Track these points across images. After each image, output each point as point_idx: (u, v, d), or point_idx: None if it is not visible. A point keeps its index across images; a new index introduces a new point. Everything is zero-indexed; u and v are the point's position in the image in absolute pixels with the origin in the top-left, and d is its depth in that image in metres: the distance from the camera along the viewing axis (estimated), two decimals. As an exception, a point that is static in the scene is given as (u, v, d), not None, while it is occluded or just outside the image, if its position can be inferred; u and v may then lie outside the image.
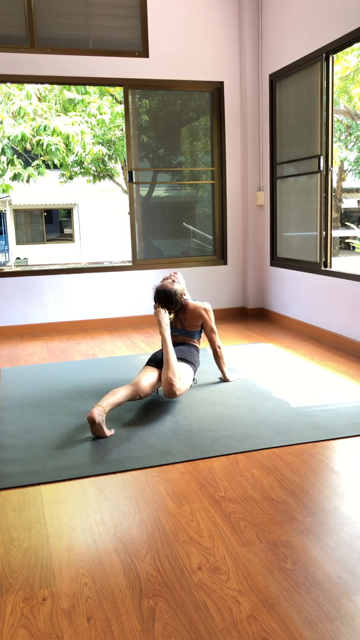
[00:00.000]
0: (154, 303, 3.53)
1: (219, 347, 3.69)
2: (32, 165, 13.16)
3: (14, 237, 20.72)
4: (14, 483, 2.46)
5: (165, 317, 3.44)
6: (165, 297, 3.53)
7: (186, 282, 5.87)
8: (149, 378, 3.29)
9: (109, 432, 2.93)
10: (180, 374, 3.28)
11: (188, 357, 3.52)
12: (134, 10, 5.44)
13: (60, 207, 21.55)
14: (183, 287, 3.64)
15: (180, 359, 3.44)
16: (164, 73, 5.59)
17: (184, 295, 3.67)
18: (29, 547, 2.01)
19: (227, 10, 5.71)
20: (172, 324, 3.64)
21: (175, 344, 3.60)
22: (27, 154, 13.59)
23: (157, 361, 3.45)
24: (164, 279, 3.65)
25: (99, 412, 2.87)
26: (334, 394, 3.46)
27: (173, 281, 3.62)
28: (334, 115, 5.32)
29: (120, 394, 3.06)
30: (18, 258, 18.79)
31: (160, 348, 3.70)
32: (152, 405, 3.37)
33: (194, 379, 3.59)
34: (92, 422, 2.85)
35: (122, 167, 14.05)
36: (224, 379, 3.78)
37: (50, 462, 2.65)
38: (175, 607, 1.68)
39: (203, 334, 3.88)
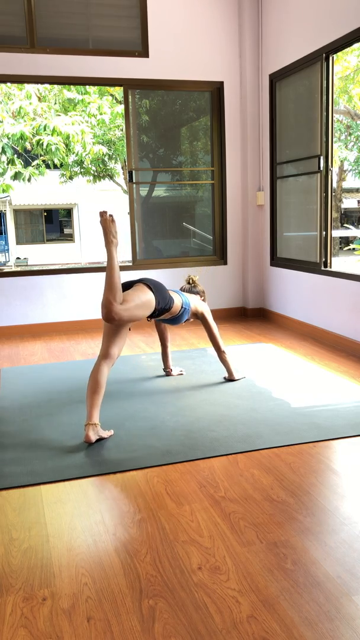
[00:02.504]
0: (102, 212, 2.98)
1: (224, 352, 3.68)
2: (32, 165, 13.16)
3: (14, 237, 20.72)
4: (14, 483, 2.46)
5: (114, 227, 2.95)
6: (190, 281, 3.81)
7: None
8: (115, 340, 3.04)
9: (107, 433, 2.93)
10: (128, 300, 2.98)
11: (153, 284, 3.21)
12: (134, 10, 5.44)
13: (60, 207, 21.55)
14: (202, 295, 3.82)
15: (142, 282, 3.15)
16: (164, 73, 5.59)
17: (202, 298, 3.81)
18: (29, 547, 2.01)
19: (227, 10, 5.71)
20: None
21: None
22: (27, 154, 13.59)
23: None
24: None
25: (94, 433, 2.82)
26: (334, 394, 3.46)
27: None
28: (334, 115, 5.32)
29: (100, 390, 2.90)
30: (18, 258, 18.80)
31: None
32: (152, 406, 3.38)
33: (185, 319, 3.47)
34: (89, 444, 2.82)
35: (122, 167, 14.05)
36: (230, 378, 3.78)
37: (50, 462, 2.65)
38: (175, 607, 1.68)
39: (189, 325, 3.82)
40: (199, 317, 3.66)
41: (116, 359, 3.07)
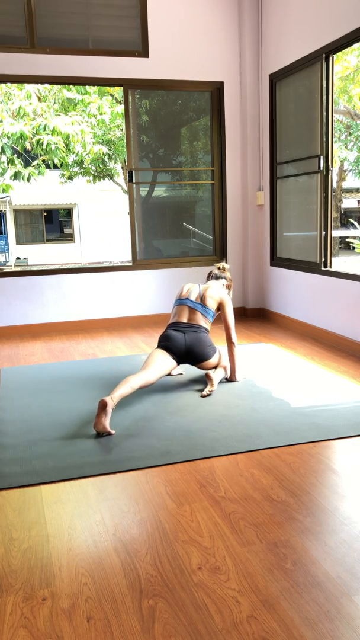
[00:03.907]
0: None
1: (234, 344, 3.71)
2: (32, 164, 13.17)
3: (14, 237, 20.72)
4: (14, 483, 2.46)
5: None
6: (214, 273, 3.98)
7: (186, 282, 5.87)
8: (159, 369, 3.40)
9: (110, 429, 2.94)
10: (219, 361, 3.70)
11: (209, 350, 3.63)
12: (134, 10, 5.44)
13: (60, 207, 21.54)
14: (229, 281, 3.98)
15: (202, 355, 3.61)
16: (164, 73, 5.59)
17: (229, 283, 3.96)
18: (29, 547, 2.01)
19: (227, 10, 5.71)
20: (192, 297, 3.75)
21: (187, 324, 3.65)
22: (27, 154, 13.59)
23: (170, 343, 3.54)
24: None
25: (111, 405, 2.96)
26: (334, 394, 3.46)
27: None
28: (334, 115, 5.32)
29: (130, 386, 3.15)
30: (18, 258, 18.78)
31: (172, 323, 3.77)
32: (152, 405, 3.38)
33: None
34: (103, 406, 2.92)
35: (122, 167, 14.05)
36: (231, 378, 3.78)
37: (50, 462, 2.65)
38: (175, 607, 1.68)
39: (211, 326, 3.96)
40: (219, 307, 3.74)
41: (152, 382, 3.33)
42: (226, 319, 3.72)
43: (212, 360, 3.67)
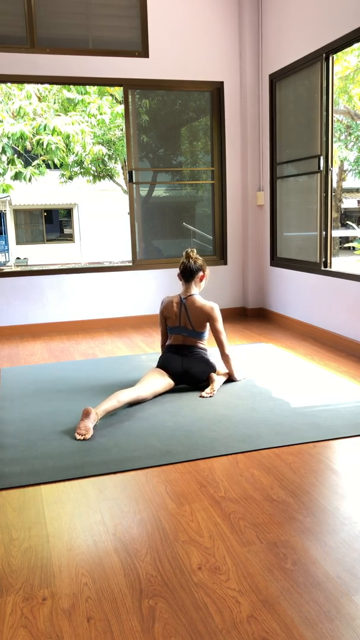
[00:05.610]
0: None
1: (228, 356, 3.68)
2: (33, 164, 13.16)
3: (14, 237, 20.71)
4: (14, 483, 2.46)
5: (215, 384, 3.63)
6: (189, 269, 3.72)
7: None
8: (153, 386, 3.44)
9: (90, 433, 2.94)
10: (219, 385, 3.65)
11: (207, 371, 3.64)
12: (134, 10, 5.44)
13: (60, 207, 21.54)
14: (204, 269, 3.76)
15: (199, 379, 3.64)
16: (164, 73, 5.59)
17: (205, 273, 3.75)
18: (29, 547, 2.01)
19: (227, 10, 5.71)
20: (182, 323, 3.66)
21: (184, 347, 3.64)
22: (27, 154, 13.59)
23: (168, 364, 3.59)
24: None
25: (94, 417, 2.98)
26: (334, 394, 3.46)
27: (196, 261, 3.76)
28: (334, 115, 5.32)
29: (117, 400, 3.19)
30: (18, 258, 18.78)
31: (170, 345, 3.74)
32: (152, 405, 3.37)
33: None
34: (86, 413, 2.95)
35: (122, 167, 14.04)
36: (231, 378, 3.77)
37: (50, 462, 2.65)
38: (175, 607, 1.68)
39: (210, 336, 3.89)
40: (207, 320, 3.65)
41: (144, 398, 3.38)
42: (217, 336, 3.63)
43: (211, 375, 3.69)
